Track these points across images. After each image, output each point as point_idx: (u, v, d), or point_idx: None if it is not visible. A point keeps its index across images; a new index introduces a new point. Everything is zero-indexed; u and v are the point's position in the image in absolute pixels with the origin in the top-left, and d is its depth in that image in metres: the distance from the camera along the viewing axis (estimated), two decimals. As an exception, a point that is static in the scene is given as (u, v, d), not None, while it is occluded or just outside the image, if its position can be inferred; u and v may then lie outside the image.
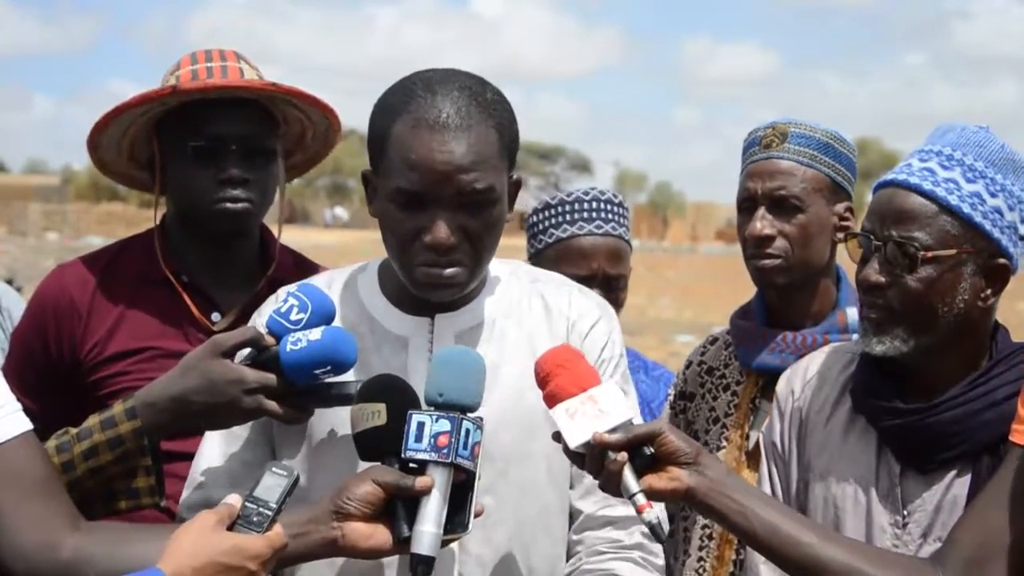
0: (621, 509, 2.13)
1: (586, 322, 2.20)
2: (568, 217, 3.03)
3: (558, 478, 2.17)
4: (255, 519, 1.76)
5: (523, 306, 2.19)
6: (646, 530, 1.92)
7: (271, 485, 1.78)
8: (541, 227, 3.07)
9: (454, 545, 2.02)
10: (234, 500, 1.78)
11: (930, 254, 2.08)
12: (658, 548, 2.17)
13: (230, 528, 1.75)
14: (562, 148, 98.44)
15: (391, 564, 2.06)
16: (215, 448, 2.17)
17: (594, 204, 3.04)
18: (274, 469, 1.80)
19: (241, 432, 2.15)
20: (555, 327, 2.18)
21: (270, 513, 1.76)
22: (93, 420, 2.14)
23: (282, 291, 2.21)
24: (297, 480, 1.81)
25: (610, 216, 3.04)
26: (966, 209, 2.09)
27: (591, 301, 2.25)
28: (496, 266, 2.23)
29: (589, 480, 1.99)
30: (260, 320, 2.16)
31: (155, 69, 2.80)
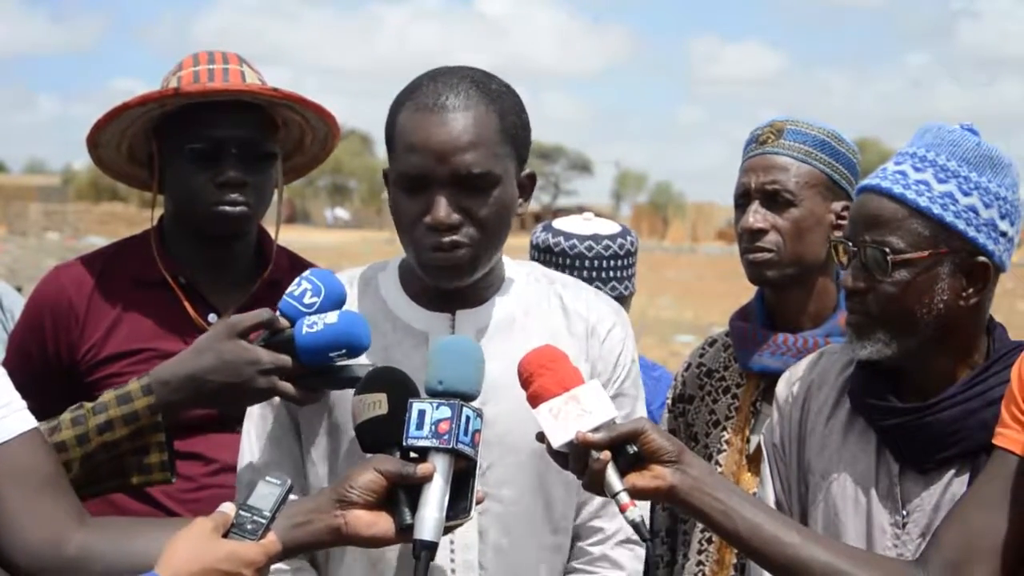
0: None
1: (604, 326, 2.23)
2: (567, 272, 2.95)
3: (567, 474, 2.20)
4: (249, 527, 1.78)
5: (543, 306, 2.22)
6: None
7: (265, 494, 1.81)
8: None
9: (474, 535, 2.07)
10: (229, 508, 1.80)
11: (901, 258, 2.09)
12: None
13: (224, 536, 1.77)
14: (563, 148, 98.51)
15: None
16: (253, 441, 2.21)
17: (596, 263, 3.01)
18: (268, 478, 1.83)
19: (274, 429, 2.20)
20: (574, 328, 2.21)
21: (264, 521, 1.79)
22: (109, 395, 2.17)
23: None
24: (291, 489, 1.83)
25: (611, 275, 3.02)
26: (936, 210, 2.09)
27: (607, 306, 2.28)
28: (512, 267, 2.26)
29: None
30: None
31: (162, 70, 2.82)
